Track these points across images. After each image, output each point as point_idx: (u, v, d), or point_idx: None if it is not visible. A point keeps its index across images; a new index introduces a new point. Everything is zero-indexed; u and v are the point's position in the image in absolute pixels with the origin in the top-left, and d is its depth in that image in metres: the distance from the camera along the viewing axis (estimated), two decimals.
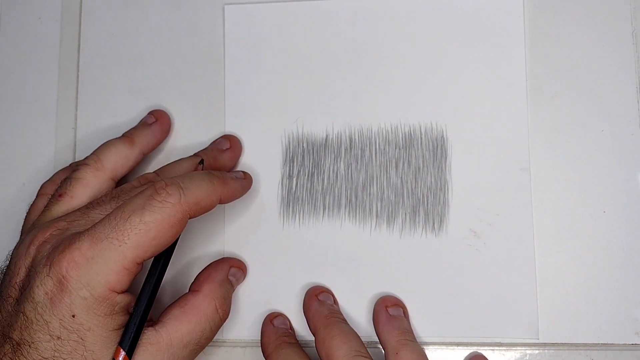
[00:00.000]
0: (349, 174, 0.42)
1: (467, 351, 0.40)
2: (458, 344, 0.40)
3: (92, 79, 0.45)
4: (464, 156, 0.41)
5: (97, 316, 0.32)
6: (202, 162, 0.39)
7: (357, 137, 0.42)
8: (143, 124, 0.42)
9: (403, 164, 0.41)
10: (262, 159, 0.42)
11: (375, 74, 0.42)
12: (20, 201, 0.44)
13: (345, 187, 0.42)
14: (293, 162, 0.42)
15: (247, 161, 0.43)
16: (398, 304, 0.40)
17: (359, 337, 0.36)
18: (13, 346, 0.31)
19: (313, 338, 0.37)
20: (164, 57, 0.44)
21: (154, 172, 0.39)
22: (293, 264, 0.41)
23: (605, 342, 0.39)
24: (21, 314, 0.31)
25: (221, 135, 0.43)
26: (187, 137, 0.43)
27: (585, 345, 0.39)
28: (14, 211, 0.44)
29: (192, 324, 0.35)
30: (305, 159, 0.42)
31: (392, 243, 0.41)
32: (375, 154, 0.42)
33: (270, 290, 0.41)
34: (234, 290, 0.40)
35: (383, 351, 0.37)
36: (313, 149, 0.42)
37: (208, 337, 0.36)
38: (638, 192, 0.40)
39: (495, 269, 0.40)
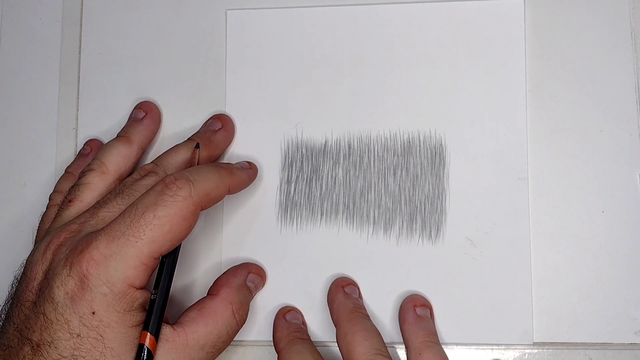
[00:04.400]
0: (347, 180, 0.42)
1: (465, 351, 0.40)
2: (457, 344, 0.40)
3: (93, 80, 0.45)
4: (462, 164, 0.41)
5: (117, 312, 0.32)
6: (197, 145, 0.40)
7: (355, 144, 0.42)
8: (134, 120, 0.43)
9: (401, 171, 0.42)
10: (261, 164, 0.42)
11: (375, 81, 0.42)
12: (22, 201, 0.44)
13: (344, 193, 0.42)
14: (292, 168, 0.42)
15: None
16: (426, 304, 0.40)
17: (380, 335, 0.36)
18: (32, 347, 0.32)
19: (322, 337, 0.39)
20: (165, 60, 0.44)
21: (152, 162, 0.39)
22: (290, 268, 0.41)
23: (604, 342, 0.39)
24: (41, 315, 0.32)
25: (212, 115, 0.43)
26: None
27: (584, 344, 0.40)
28: (15, 211, 0.44)
29: (209, 326, 0.35)
30: (304, 164, 0.42)
31: (388, 250, 0.41)
32: (374, 160, 0.42)
33: (267, 294, 0.41)
34: (252, 297, 0.40)
35: (405, 350, 0.38)
36: (312, 155, 0.42)
37: (225, 341, 0.36)
38: (636, 192, 0.40)
39: (491, 277, 0.40)
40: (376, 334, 0.36)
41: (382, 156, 0.42)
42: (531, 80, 0.42)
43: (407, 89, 0.42)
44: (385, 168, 0.42)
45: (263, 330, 0.41)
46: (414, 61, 0.42)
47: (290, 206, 0.42)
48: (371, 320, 0.38)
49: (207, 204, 0.35)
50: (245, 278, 0.39)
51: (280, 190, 0.42)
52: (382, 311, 0.40)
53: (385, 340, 0.39)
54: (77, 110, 0.45)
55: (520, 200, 0.41)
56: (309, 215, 0.42)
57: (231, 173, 0.37)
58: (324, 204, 0.42)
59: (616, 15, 0.42)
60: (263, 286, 0.41)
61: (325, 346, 0.41)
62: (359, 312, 0.38)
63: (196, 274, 0.42)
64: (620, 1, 0.42)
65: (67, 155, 0.44)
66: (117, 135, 0.41)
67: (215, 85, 0.44)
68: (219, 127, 0.42)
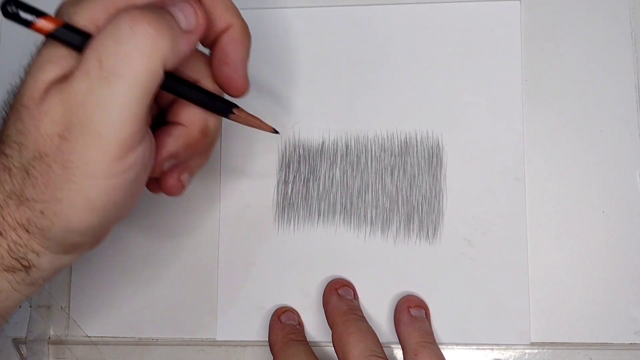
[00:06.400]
0: (345, 181, 0.42)
1: (464, 351, 0.40)
2: (455, 344, 0.40)
3: None
4: (460, 165, 0.41)
5: None
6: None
7: (353, 144, 0.42)
8: None
9: (398, 172, 0.42)
10: (258, 164, 0.43)
11: (372, 81, 0.42)
12: None
13: (341, 194, 0.42)
14: (289, 168, 0.42)
15: (244, 166, 0.43)
16: (420, 304, 0.40)
17: (375, 336, 0.36)
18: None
19: (319, 337, 0.38)
20: None
21: None
22: (287, 269, 0.42)
23: (604, 342, 0.40)
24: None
25: None
26: None
27: (584, 344, 0.40)
28: None
29: None
30: (301, 165, 0.42)
31: (386, 250, 0.41)
32: (371, 161, 0.42)
33: (264, 294, 0.42)
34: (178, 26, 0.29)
35: (401, 351, 0.38)
36: (309, 155, 0.42)
37: None
38: (637, 192, 0.40)
39: (488, 277, 0.40)
40: (371, 335, 0.36)
41: (380, 156, 0.42)
42: (530, 80, 0.42)
43: (404, 89, 0.42)
44: (382, 168, 0.42)
45: (262, 331, 0.41)
46: (411, 62, 0.42)
47: (288, 207, 0.42)
48: (366, 321, 0.38)
49: None
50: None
51: (278, 190, 0.42)
52: (379, 311, 0.41)
53: (382, 341, 0.39)
54: None
55: (517, 200, 0.41)
56: (306, 215, 0.42)
57: None
58: (321, 204, 0.42)
59: (616, 15, 0.42)
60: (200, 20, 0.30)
61: (323, 347, 0.41)
62: (354, 313, 0.38)
63: (193, 275, 0.42)
64: (620, 1, 0.42)
65: None
66: None
67: None
68: None
